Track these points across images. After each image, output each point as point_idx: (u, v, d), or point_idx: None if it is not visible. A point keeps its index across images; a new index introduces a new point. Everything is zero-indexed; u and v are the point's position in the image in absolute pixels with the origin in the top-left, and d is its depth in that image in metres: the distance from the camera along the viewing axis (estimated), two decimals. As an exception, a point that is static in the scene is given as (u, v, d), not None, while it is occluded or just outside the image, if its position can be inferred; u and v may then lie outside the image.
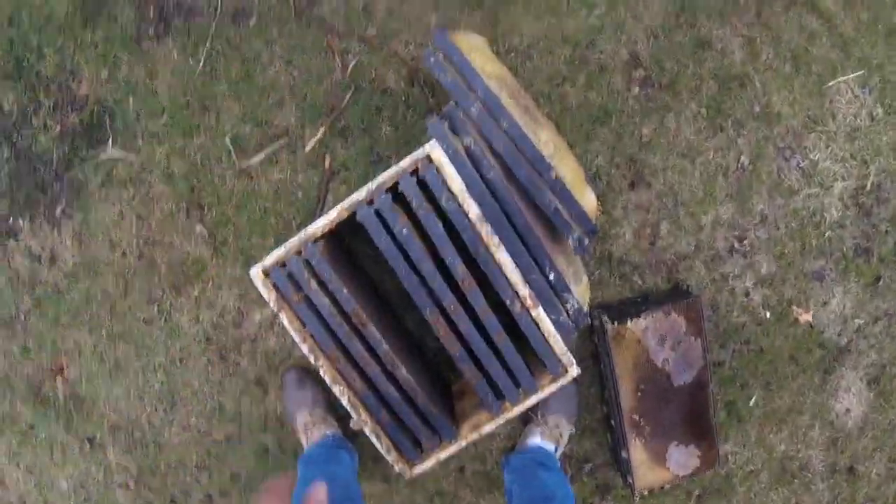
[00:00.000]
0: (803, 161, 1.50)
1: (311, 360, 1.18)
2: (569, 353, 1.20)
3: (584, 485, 1.52)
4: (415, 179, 1.10)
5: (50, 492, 1.55)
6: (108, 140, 1.37)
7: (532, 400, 1.21)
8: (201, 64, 1.34)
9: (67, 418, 1.48)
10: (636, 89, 1.39)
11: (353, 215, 1.13)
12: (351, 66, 1.34)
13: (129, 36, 1.35)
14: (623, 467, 1.44)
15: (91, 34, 1.36)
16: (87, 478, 1.50)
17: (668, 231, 1.45)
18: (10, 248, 1.43)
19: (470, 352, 1.18)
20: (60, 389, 1.47)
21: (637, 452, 1.40)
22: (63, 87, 1.38)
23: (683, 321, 1.36)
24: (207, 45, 1.34)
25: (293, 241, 1.15)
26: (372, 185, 1.12)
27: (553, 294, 1.18)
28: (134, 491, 1.50)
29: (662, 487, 1.45)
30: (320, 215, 1.33)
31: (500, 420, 1.22)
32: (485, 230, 1.11)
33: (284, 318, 1.16)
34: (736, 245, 1.50)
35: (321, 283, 1.15)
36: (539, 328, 1.16)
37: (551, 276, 1.18)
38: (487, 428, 1.22)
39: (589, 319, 1.30)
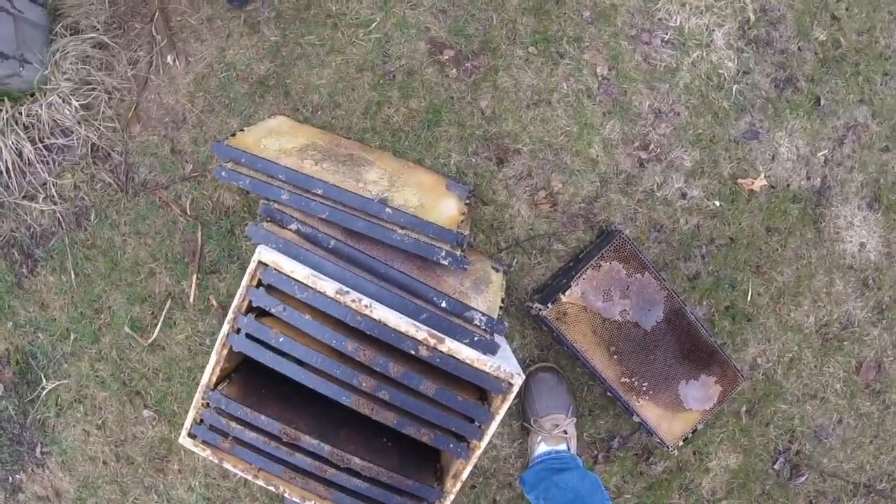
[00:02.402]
0: (666, 34, 1.32)
1: (273, 489, 1.12)
2: (505, 365, 1.09)
3: (622, 460, 1.38)
4: (263, 289, 1.04)
5: None
6: (41, 377, 1.40)
7: (493, 426, 1.10)
8: (73, 275, 1.35)
9: None
10: (453, 71, 1.27)
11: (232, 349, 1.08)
12: (188, 206, 1.31)
13: (11, 284, 1.38)
14: (646, 430, 1.28)
15: (-18, 297, 1.41)
16: None
17: (563, 183, 1.31)
18: (23, 501, 1.48)
19: (409, 414, 1.08)
20: None
21: (648, 411, 1.25)
22: (-13, 350, 1.43)
23: (619, 265, 1.21)
24: (70, 257, 1.35)
25: (197, 398, 1.11)
26: (230, 315, 1.06)
27: (454, 319, 1.07)
28: None
29: (696, 429, 1.28)
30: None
31: (474, 460, 1.11)
32: (349, 300, 1.02)
33: (229, 465, 1.12)
34: (643, 155, 1.34)
35: (241, 421, 1.10)
36: (458, 359, 1.05)
37: (443, 304, 1.08)
38: (465, 473, 1.12)
39: (524, 314, 1.17)
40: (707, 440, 1.39)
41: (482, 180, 1.29)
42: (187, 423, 1.12)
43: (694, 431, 1.30)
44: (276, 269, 1.04)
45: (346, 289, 1.03)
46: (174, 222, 1.33)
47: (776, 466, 1.44)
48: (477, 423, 1.10)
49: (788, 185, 1.38)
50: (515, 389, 1.09)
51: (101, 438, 1.42)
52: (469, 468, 1.12)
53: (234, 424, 1.10)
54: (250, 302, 1.06)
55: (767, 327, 1.40)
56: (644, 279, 1.23)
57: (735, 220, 1.36)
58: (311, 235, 1.08)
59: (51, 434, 1.44)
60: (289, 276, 1.04)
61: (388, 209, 1.09)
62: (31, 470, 1.47)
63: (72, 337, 1.38)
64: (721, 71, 1.35)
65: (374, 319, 1.04)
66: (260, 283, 1.05)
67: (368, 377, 1.06)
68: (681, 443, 1.29)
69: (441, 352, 1.05)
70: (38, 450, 1.46)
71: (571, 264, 1.29)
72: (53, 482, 1.47)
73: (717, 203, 1.36)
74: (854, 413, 1.45)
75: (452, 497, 1.13)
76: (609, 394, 1.28)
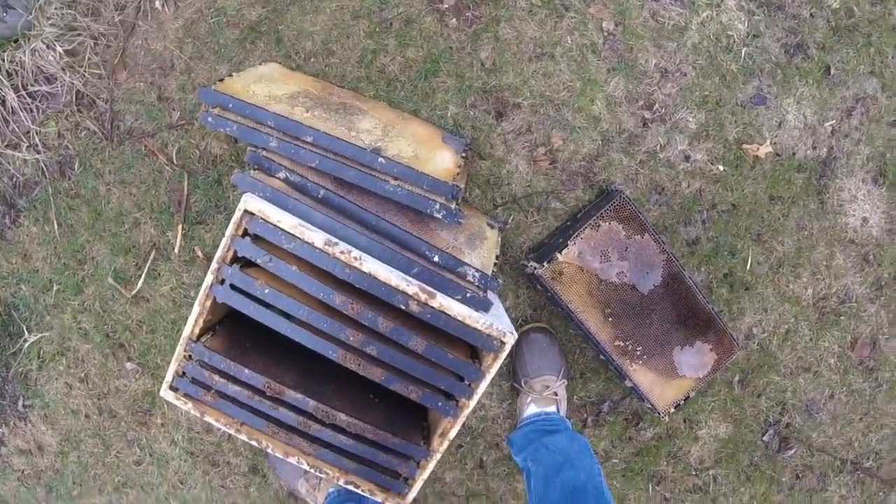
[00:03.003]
0: (676, -10, 1.25)
1: (255, 445, 1.09)
2: (497, 323, 1.05)
3: (612, 425, 1.35)
4: (248, 238, 0.99)
5: None
6: (23, 329, 1.35)
7: (483, 385, 1.07)
8: (56, 226, 1.30)
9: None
10: (453, 20, 1.20)
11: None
12: (174, 155, 1.25)
13: None
14: (636, 394, 1.25)
15: (-38, 248, 1.36)
16: None
17: (564, 140, 1.26)
18: (5, 454, 1.45)
19: (397, 370, 1.04)
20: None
21: (641, 376, 1.22)
22: (-33, 298, 1.38)
23: (618, 225, 1.17)
24: (53, 207, 1.29)
25: (179, 350, 1.07)
26: (214, 265, 1.02)
27: (446, 274, 1.03)
28: None
29: (688, 396, 1.25)
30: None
31: (462, 418, 1.08)
32: (338, 251, 0.98)
33: (211, 419, 1.09)
34: (647, 115, 1.28)
35: (223, 374, 1.06)
36: (450, 316, 1.01)
37: (436, 258, 1.03)
38: (454, 432, 1.09)
39: (519, 272, 1.13)
40: (698, 408, 1.37)
41: (480, 134, 1.24)
42: (168, 376, 1.08)
43: (686, 399, 1.27)
44: (262, 219, 0.99)
45: (335, 240, 0.98)
46: (160, 171, 1.27)
47: (765, 438, 1.42)
48: (467, 382, 1.06)
49: (794, 154, 1.33)
50: (507, 348, 1.05)
51: (83, 391, 1.38)
52: (457, 427, 1.09)
53: (216, 377, 1.06)
54: (235, 252, 1.01)
55: (765, 297, 1.36)
56: (643, 241, 1.19)
57: (738, 186, 1.32)
58: (300, 184, 1.03)
59: (33, 387, 1.40)
60: (276, 226, 0.99)
61: (381, 159, 1.04)
62: (13, 424, 1.44)
63: (55, 288, 1.34)
64: (730, 33, 1.29)
65: (364, 272, 0.99)
66: (246, 233, 1.00)
67: (356, 331, 1.02)
68: (672, 410, 1.27)
69: (432, 307, 1.01)
70: (20, 403, 1.42)
71: (569, 224, 1.25)
72: (36, 436, 1.43)
73: (721, 168, 1.31)
74: (846, 389, 1.43)
75: (439, 456, 1.10)
76: (602, 357, 1.25)
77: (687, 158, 1.30)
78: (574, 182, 1.26)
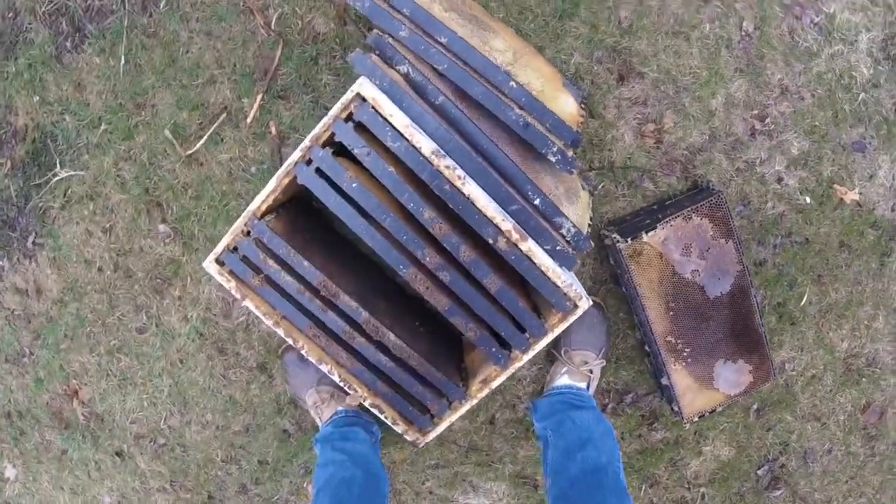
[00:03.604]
0: (818, 16, 1.17)
1: (290, 342, 0.98)
2: (576, 285, 0.95)
3: (628, 417, 1.29)
4: (351, 125, 0.87)
5: (99, 507, 1.46)
6: (56, 163, 1.20)
7: (542, 343, 0.98)
8: (122, 62, 1.14)
9: (93, 437, 1.37)
10: None
11: (295, 179, 0.91)
12: (274, 20, 1.11)
13: (50, 55, 1.17)
14: (667, 394, 1.19)
15: (14, 64, 1.18)
16: (127, 488, 1.40)
17: (675, 123, 1.16)
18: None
19: (462, 304, 0.94)
20: (79, 412, 1.36)
21: (679, 377, 1.15)
22: (2, 123, 1.21)
23: (708, 224, 1.08)
24: (124, 41, 1.14)
25: (239, 223, 0.94)
26: (305, 143, 0.89)
27: (542, 221, 0.93)
28: (172, 493, 1.39)
29: (714, 410, 1.19)
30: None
31: (511, 371, 1.00)
32: (443, 165, 0.86)
33: (251, 305, 0.97)
34: (757, 126, 1.19)
35: (279, 260, 0.94)
36: (534, 263, 0.91)
37: (537, 201, 0.93)
38: (497, 382, 1.01)
39: (594, 241, 1.03)
40: (711, 425, 1.32)
41: (597, 92, 1.13)
42: (219, 248, 0.96)
43: (712, 412, 1.21)
44: (373, 108, 0.86)
45: (443, 152, 0.87)
46: (253, 33, 1.12)
47: (760, 472, 1.38)
48: (527, 335, 0.97)
49: (874, 209, 1.27)
50: (578, 313, 0.96)
51: (103, 243, 1.23)
52: (502, 378, 1.00)
53: (270, 262, 0.94)
54: (333, 135, 0.88)
55: (805, 337, 1.31)
56: (726, 247, 1.11)
57: (817, 222, 1.25)
58: (421, 84, 0.90)
59: (49, 226, 1.25)
60: (385, 120, 0.87)
61: (512, 82, 0.92)
62: (17, 259, 1.28)
63: (102, 127, 1.18)
64: (854, 74, 1.20)
65: (463, 194, 0.88)
66: (350, 118, 0.88)
67: (435, 253, 0.91)
68: (696, 419, 1.21)
69: (519, 250, 0.91)
70: (30, 239, 1.26)
71: (655, 208, 1.16)
72: (38, 277, 1.28)
73: (808, 200, 1.23)
74: (844, 448, 1.40)
75: (475, 402, 1.02)
76: (646, 348, 1.17)
77: (780, 180, 1.22)
78: (672, 168, 1.17)
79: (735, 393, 1.20)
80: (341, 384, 1.00)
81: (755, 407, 1.33)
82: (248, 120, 1.13)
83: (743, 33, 1.16)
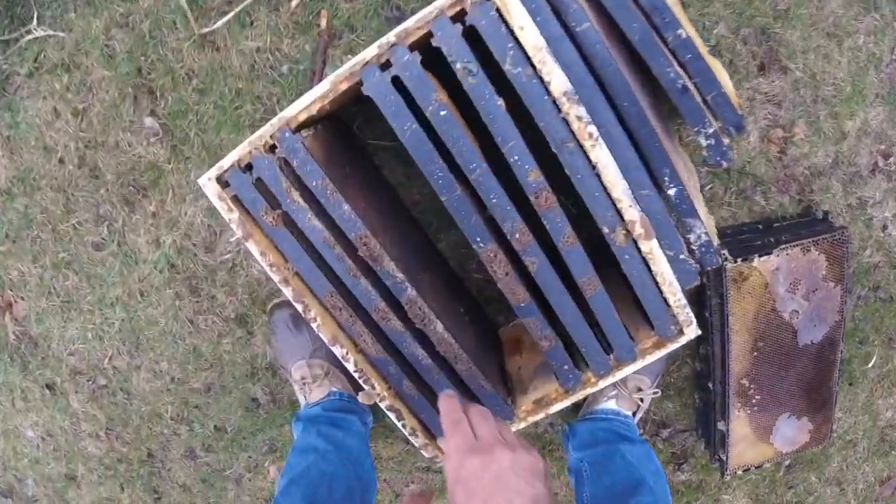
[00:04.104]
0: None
1: (300, 309, 0.69)
2: (687, 308, 0.70)
3: (658, 453, 1.09)
4: (460, 27, 0.57)
5: (17, 440, 1.16)
6: (33, 16, 0.84)
7: (626, 371, 0.74)
8: None
9: (23, 362, 1.07)
10: None
11: (357, 87, 0.61)
12: None
13: None
14: (713, 439, 0.99)
15: None
16: (54, 426, 1.12)
17: (805, 135, 0.92)
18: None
19: (541, 301, 0.68)
20: (10, 329, 1.04)
21: (739, 426, 0.95)
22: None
23: (824, 262, 0.86)
24: None
25: (263, 131, 0.64)
26: (389, 37, 0.59)
27: (672, 219, 0.66)
28: (106, 442, 1.11)
29: (761, 466, 0.99)
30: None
31: (577, 397, 0.74)
32: (574, 114, 0.59)
33: (254, 248, 0.68)
34: (880, 162, 0.98)
35: (309, 195, 0.64)
36: (649, 269, 0.66)
37: (671, 191, 0.67)
38: (557, 407, 0.76)
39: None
40: (740, 474, 1.13)
41: (734, 76, 0.87)
42: (225, 161, 0.65)
43: (758, 467, 1.01)
44: (497, 12, 0.57)
45: (577, 97, 0.59)
46: None
47: (769, 527, 1.22)
48: (612, 358, 0.73)
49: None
50: (682, 342, 0.72)
51: (71, 128, 0.90)
52: (564, 404, 0.76)
53: (295, 196, 0.64)
54: (429, 35, 0.59)
55: (857, 400, 1.13)
56: (832, 292, 0.89)
57: (907, 281, 1.05)
58: (563, 1, 0.61)
59: (10, 96, 0.90)
60: (510, 32, 0.58)
61: (681, 30, 0.65)
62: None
63: (96, -22, 0.82)
64: None
65: (589, 161, 0.61)
66: (461, 18, 0.58)
67: (526, 230, 0.64)
68: (740, 472, 1.01)
69: (638, 249, 0.65)
70: (-22, 104, 0.90)
71: (761, 228, 0.93)
72: (-19, 157, 0.93)
73: (908, 254, 1.03)
74: (852, 520, 1.26)
75: (522, 426, 0.77)
76: (711, 385, 0.95)
77: (884, 228, 1.02)
78: (788, 186, 0.93)
79: (788, 451, 1.01)
80: (356, 375, 0.73)
81: (787, 463, 1.15)
82: (293, 3, 0.80)
83: (893, 57, 0.92)
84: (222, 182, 0.66)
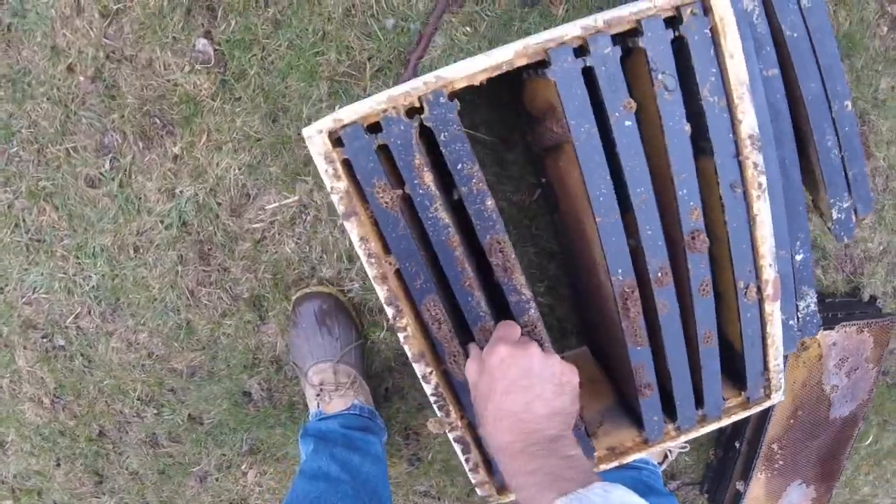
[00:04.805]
0: None
1: (389, 314, 0.60)
2: (783, 374, 0.69)
3: (658, 503, 1.08)
4: (671, 33, 0.52)
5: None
6: None
7: (706, 430, 0.71)
8: None
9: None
10: (885, 28, 0.84)
11: (535, 66, 0.54)
12: None
13: None
14: (724, 497, 1.00)
15: None
16: None
17: (871, 222, 0.95)
18: None
19: (659, 345, 0.64)
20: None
21: (755, 486, 0.98)
22: None
23: (871, 343, 0.91)
24: None
25: (412, 87, 0.54)
26: (597, 21, 0.52)
27: (793, 284, 0.66)
28: (50, 410, 0.92)
29: (759, 528, 1.03)
30: (417, 60, 0.74)
31: (652, 450, 0.71)
32: (752, 160, 0.56)
33: (353, 230, 0.57)
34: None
35: (448, 182, 0.56)
36: (764, 329, 0.64)
37: (799, 257, 0.66)
38: (632, 457, 0.72)
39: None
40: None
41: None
42: (346, 113, 0.54)
43: (756, 529, 1.05)
44: (712, 29, 0.53)
45: (760, 143, 0.56)
46: None
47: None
48: (701, 412, 0.70)
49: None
50: (765, 405, 0.71)
51: (95, 31, 0.73)
52: (640, 455, 0.72)
53: (427, 177, 0.55)
54: (631, 32, 0.53)
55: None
56: (869, 372, 0.94)
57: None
58: (760, 38, 0.58)
59: None
60: (716, 54, 0.53)
61: (848, 102, 0.64)
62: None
63: None
64: None
65: (751, 210, 0.58)
66: (673, 25, 0.53)
67: (669, 270, 0.60)
68: (740, 532, 1.03)
69: (761, 308, 0.63)
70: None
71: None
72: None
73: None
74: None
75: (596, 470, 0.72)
76: (738, 444, 0.97)
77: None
78: (844, 265, 0.97)
79: (786, 516, 1.05)
80: (432, 399, 0.64)
81: (764, 524, 1.21)
82: None
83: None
84: (334, 139, 0.55)
